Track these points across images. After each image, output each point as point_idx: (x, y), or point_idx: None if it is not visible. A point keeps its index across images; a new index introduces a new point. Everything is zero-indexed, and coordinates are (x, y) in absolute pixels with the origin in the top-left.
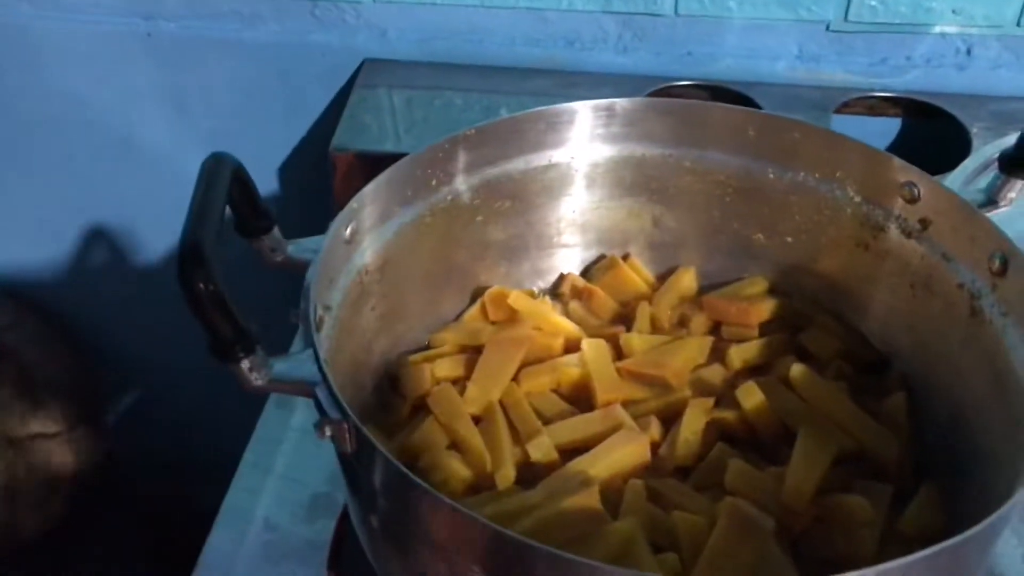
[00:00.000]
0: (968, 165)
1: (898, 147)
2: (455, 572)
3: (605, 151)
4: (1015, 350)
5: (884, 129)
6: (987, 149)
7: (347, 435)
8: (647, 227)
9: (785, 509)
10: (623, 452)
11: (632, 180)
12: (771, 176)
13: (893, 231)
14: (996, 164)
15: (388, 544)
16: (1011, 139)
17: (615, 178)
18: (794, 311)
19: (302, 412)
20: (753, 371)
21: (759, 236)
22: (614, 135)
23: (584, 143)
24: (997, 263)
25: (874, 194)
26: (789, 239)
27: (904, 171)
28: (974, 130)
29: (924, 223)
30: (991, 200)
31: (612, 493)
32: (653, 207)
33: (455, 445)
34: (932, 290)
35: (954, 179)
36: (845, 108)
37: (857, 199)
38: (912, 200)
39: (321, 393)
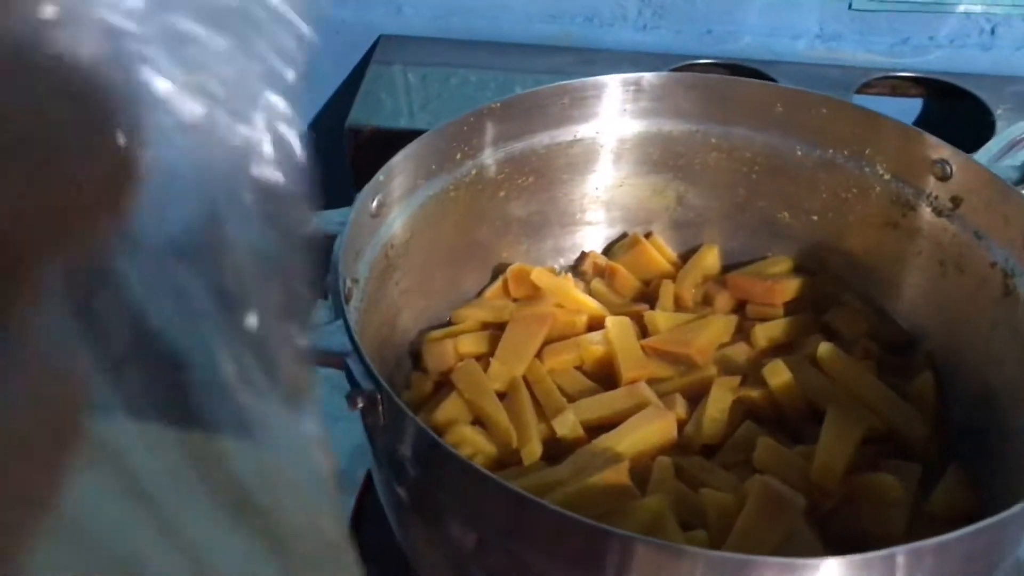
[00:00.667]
0: (992, 147)
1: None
2: (485, 543)
3: (633, 126)
4: None
5: (906, 110)
6: (1012, 130)
7: (380, 405)
8: (671, 205)
9: (814, 487)
10: (649, 429)
11: (659, 156)
12: (798, 153)
13: (924, 209)
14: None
15: (416, 516)
16: None
17: (641, 154)
18: (819, 290)
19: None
20: (778, 350)
21: (784, 214)
22: (642, 110)
23: (611, 118)
24: None
25: (905, 172)
26: (815, 217)
27: (936, 148)
28: (998, 111)
29: (956, 201)
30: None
31: (639, 470)
32: (678, 184)
33: (480, 421)
34: (963, 269)
35: (978, 160)
36: (867, 88)
37: (887, 177)
38: (944, 178)
39: (353, 364)
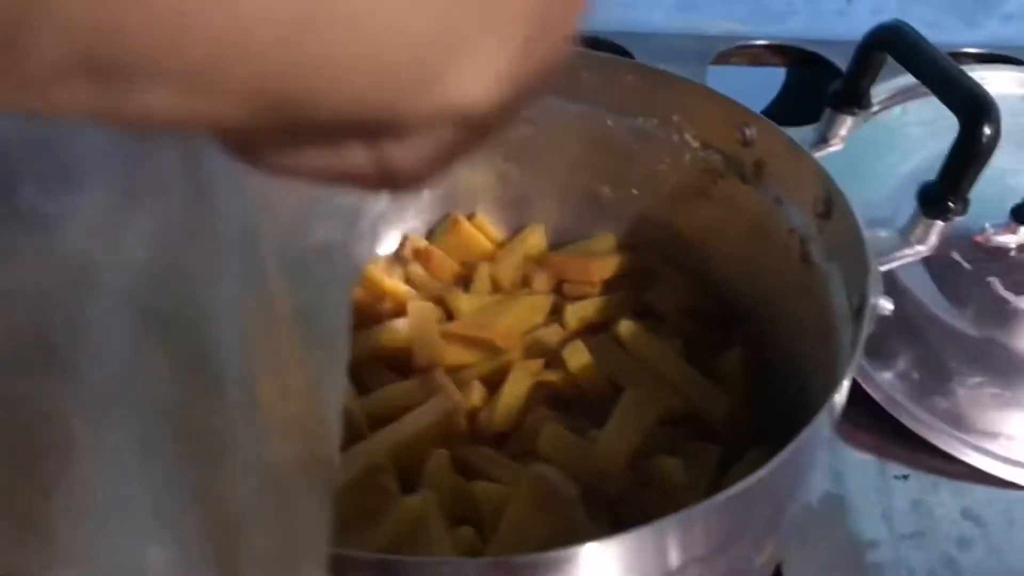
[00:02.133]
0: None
1: (784, 98)
2: None
3: None
4: (838, 297)
5: (768, 79)
6: None
7: None
8: (493, 183)
9: (600, 474)
10: (432, 419)
11: None
12: (610, 123)
13: (731, 177)
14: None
15: None
16: (889, 85)
17: None
18: (641, 268)
19: None
20: (595, 331)
21: (606, 189)
22: None
23: None
24: (821, 205)
25: (712, 138)
26: (635, 191)
27: (737, 112)
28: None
29: (759, 166)
30: (822, 139)
31: (421, 464)
32: (498, 162)
33: None
34: (769, 237)
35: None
36: (726, 58)
37: (696, 144)
38: (747, 143)
39: None
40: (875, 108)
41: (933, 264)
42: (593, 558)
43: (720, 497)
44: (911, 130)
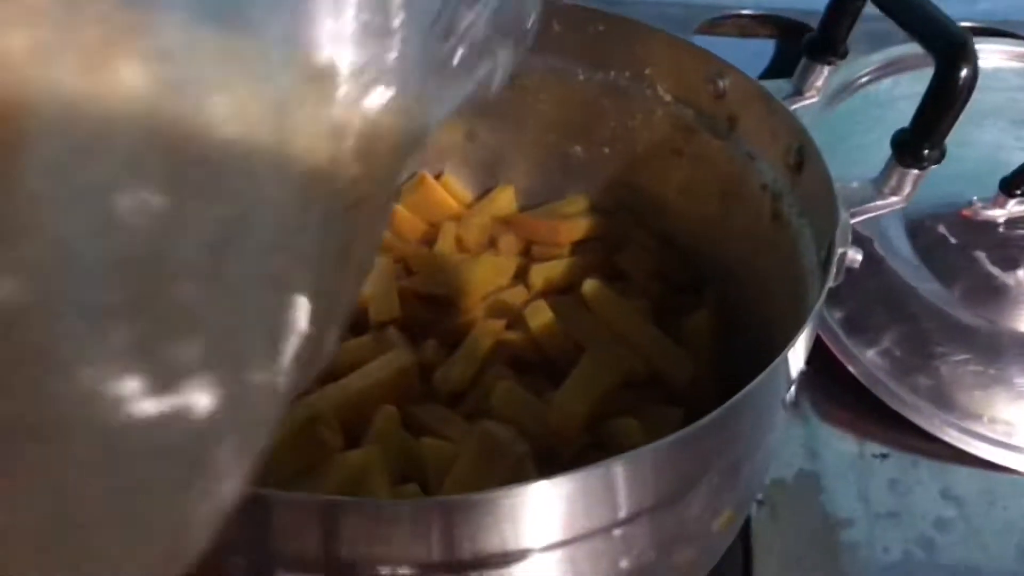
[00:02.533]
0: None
1: (773, 71)
2: None
3: None
4: (807, 257)
5: (756, 51)
6: (850, 68)
7: None
8: (460, 141)
9: (554, 434)
10: (383, 376)
11: None
12: (580, 77)
13: (704, 133)
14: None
15: None
16: (880, 56)
17: None
18: (612, 230)
19: None
20: (562, 294)
21: (577, 148)
22: None
23: None
24: (793, 157)
25: (683, 92)
26: (606, 150)
27: (709, 62)
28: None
29: (732, 121)
30: (797, 91)
31: (370, 421)
32: (466, 119)
33: None
34: (741, 196)
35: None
36: (713, 28)
37: (667, 99)
38: (719, 95)
39: None
40: (862, 73)
41: (918, 238)
42: (536, 500)
43: (669, 439)
44: (902, 104)
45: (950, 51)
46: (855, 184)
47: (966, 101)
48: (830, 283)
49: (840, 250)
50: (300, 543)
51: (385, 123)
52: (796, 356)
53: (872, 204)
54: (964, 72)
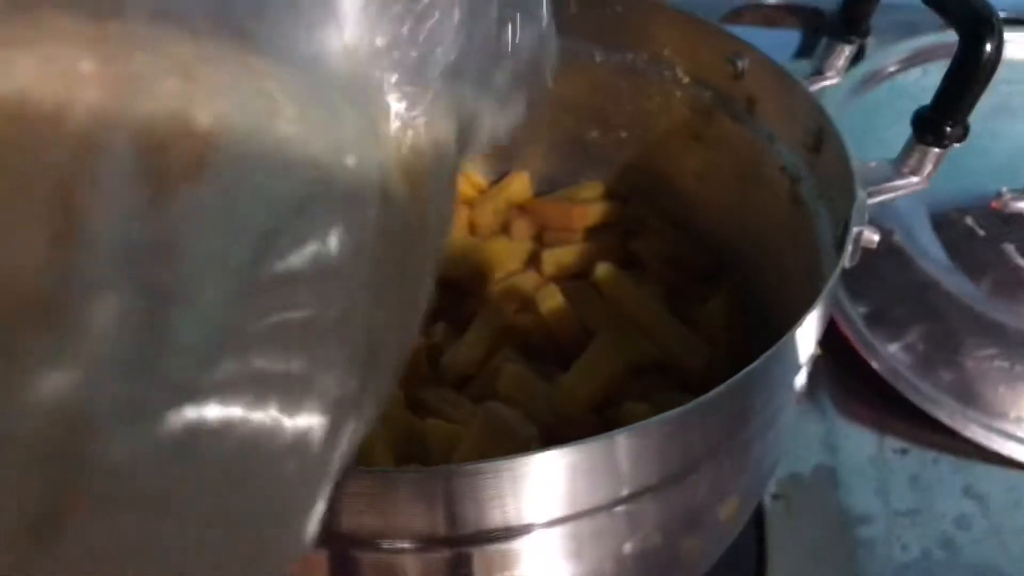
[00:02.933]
0: (856, 73)
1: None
2: None
3: None
4: (824, 240)
5: (782, 41)
6: (875, 58)
7: None
8: None
9: (561, 417)
10: None
11: None
12: (597, 59)
13: (722, 116)
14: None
15: None
16: (908, 45)
17: None
18: (628, 216)
19: None
20: (575, 279)
21: (594, 132)
22: None
23: None
24: (812, 137)
25: (701, 73)
26: (623, 134)
27: (727, 41)
28: (872, 41)
29: (751, 102)
30: (817, 71)
31: None
32: None
33: None
34: (759, 179)
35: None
36: (737, 18)
37: (685, 80)
38: (738, 76)
39: None
40: (888, 62)
41: (943, 230)
42: (539, 471)
43: (674, 412)
44: (929, 95)
45: (975, 26)
46: (873, 164)
47: (990, 77)
48: (844, 263)
49: (856, 229)
50: None
51: (428, 150)
52: (807, 336)
53: (891, 184)
54: (988, 47)
